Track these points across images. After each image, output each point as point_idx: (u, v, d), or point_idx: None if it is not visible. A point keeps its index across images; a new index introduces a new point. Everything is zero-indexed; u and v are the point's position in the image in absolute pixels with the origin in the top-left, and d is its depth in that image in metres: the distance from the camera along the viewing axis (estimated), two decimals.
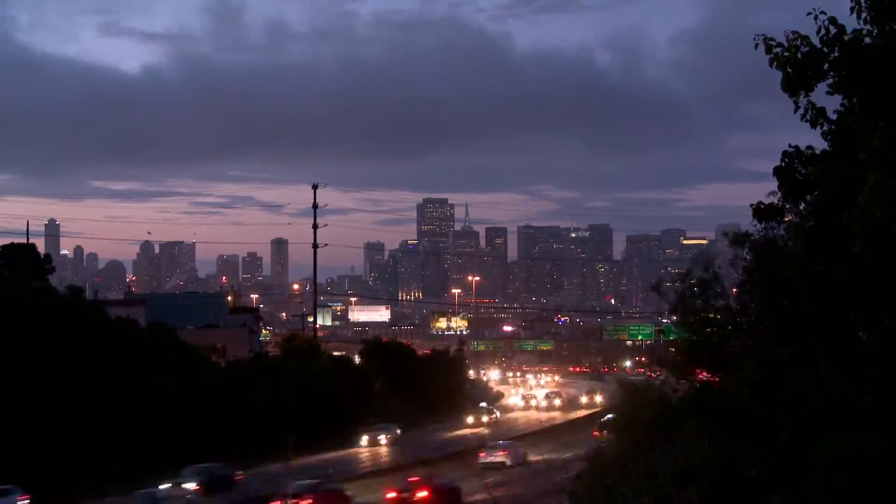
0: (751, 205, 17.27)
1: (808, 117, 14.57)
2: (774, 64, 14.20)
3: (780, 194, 16.42)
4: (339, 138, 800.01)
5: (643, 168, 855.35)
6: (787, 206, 17.06)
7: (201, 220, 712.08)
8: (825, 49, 14.05)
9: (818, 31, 14.01)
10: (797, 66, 14.16)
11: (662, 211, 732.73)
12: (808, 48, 14.13)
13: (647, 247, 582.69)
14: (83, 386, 64.26)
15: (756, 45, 14.43)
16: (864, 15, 13.87)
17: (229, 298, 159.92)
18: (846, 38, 13.97)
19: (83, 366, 64.77)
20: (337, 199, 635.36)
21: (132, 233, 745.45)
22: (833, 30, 13.98)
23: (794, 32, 14.28)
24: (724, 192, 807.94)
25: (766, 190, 17.39)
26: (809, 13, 14.01)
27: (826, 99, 14.74)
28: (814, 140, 15.43)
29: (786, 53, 14.24)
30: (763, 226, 19.14)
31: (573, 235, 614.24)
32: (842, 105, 14.89)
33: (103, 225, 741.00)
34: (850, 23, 14.15)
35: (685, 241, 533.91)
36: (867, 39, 14.03)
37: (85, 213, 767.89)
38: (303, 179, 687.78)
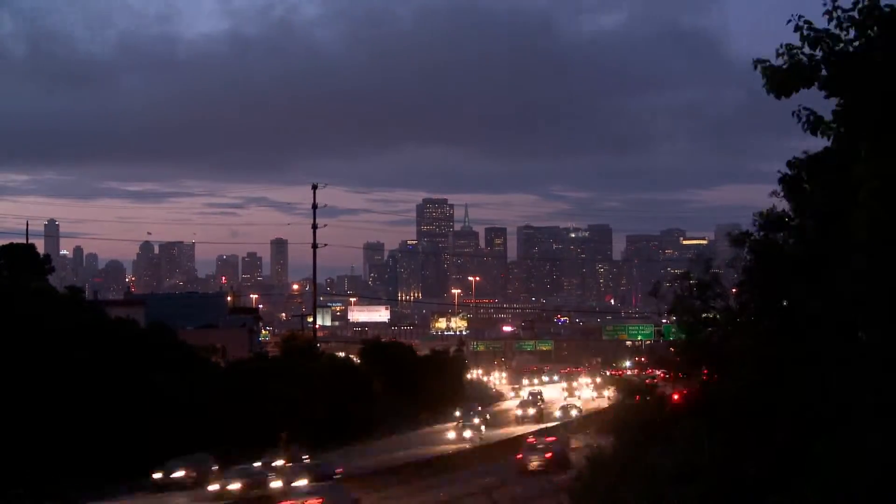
0: (753, 214, 17.28)
1: (806, 126, 14.64)
2: (765, 83, 14.37)
3: (786, 202, 16.45)
4: (352, 138, 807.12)
5: (658, 168, 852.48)
6: (794, 217, 17.07)
7: (215, 220, 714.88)
8: (812, 52, 14.17)
9: (800, 38, 14.16)
10: (783, 73, 14.30)
11: (676, 211, 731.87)
12: (795, 55, 14.29)
13: (647, 247, 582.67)
14: (82, 386, 64.24)
15: (755, 67, 14.61)
16: (844, 25, 13.95)
17: (229, 299, 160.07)
18: (828, 42, 14.07)
19: (82, 366, 64.75)
20: (348, 200, 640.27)
21: (142, 233, 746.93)
22: (811, 34, 14.12)
23: (785, 45, 14.47)
24: (738, 193, 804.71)
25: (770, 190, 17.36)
26: (790, 21, 14.17)
27: (824, 101, 14.79)
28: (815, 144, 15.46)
29: (772, 65, 14.44)
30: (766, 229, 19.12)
31: (573, 236, 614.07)
32: (840, 103, 14.91)
33: (114, 226, 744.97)
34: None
35: (684, 242, 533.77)
36: (855, 44, 14.09)
37: (97, 213, 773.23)
38: (318, 180, 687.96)
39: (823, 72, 14.17)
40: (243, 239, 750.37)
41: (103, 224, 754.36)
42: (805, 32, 14.03)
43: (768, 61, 14.48)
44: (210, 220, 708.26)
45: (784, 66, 14.19)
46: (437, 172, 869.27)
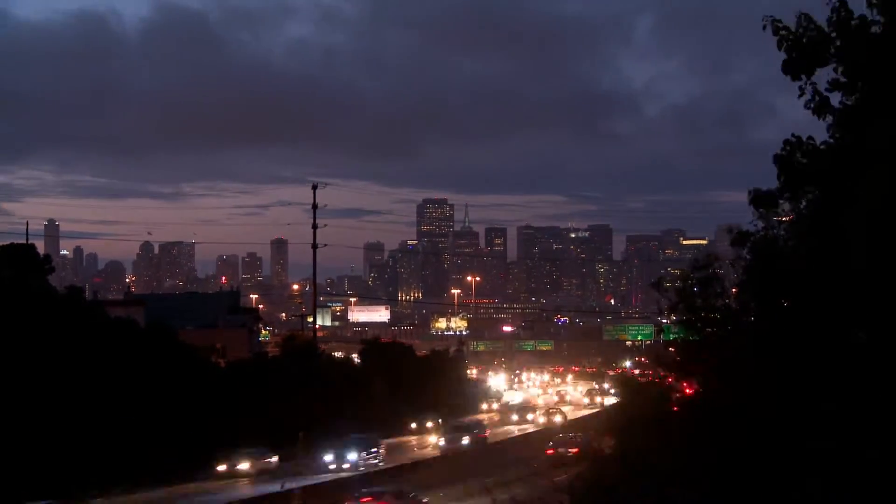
0: (749, 190, 17.15)
1: (811, 105, 14.43)
2: (782, 47, 14.08)
3: (778, 184, 16.28)
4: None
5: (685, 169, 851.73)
6: (786, 196, 16.91)
7: (239, 221, 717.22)
8: (833, 34, 13.89)
9: (830, 14, 13.85)
10: (801, 49, 14.02)
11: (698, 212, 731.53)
12: (814, 31, 14.00)
13: (647, 247, 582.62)
14: (82, 387, 64.19)
15: (764, 27, 14.32)
16: (874, 2, 13.71)
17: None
18: (853, 22, 13.81)
19: (82, 367, 64.70)
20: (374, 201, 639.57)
21: (153, 234, 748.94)
22: (843, 13, 13.82)
23: (804, 15, 14.16)
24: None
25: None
26: None
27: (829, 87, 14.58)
28: (817, 131, 15.29)
29: (791, 36, 14.12)
30: (763, 225, 19.02)
31: (573, 236, 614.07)
32: (842, 101, 14.77)
33: (135, 227, 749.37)
34: (862, 10, 13.93)
35: (684, 242, 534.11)
36: (875, 28, 13.84)
37: (122, 214, 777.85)
38: (347, 178, 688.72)
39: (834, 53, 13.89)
40: (251, 239, 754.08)
41: (128, 226, 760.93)
42: (835, 8, 13.67)
43: (780, 22, 14.18)
44: (236, 220, 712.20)
45: (804, 42, 13.89)
46: (454, 173, 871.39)
